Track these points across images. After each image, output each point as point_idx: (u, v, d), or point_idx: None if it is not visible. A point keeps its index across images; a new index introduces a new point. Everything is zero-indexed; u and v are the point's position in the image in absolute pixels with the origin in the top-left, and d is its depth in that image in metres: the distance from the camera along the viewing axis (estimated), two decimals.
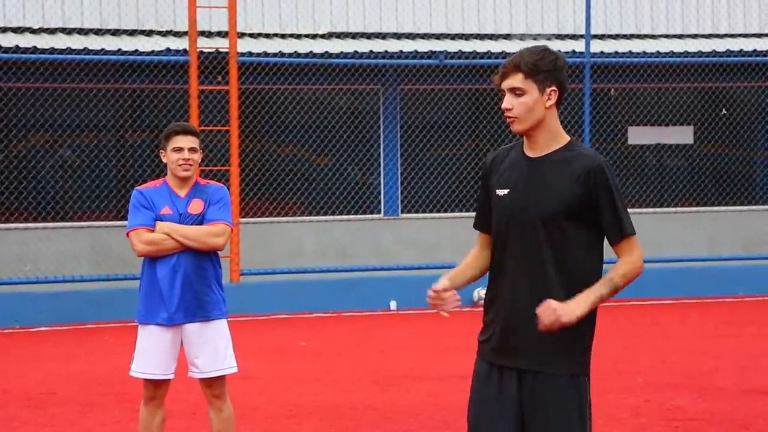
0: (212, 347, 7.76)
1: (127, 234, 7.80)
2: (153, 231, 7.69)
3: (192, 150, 7.76)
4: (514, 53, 5.25)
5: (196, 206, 7.80)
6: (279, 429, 9.72)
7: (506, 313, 5.22)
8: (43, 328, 16.30)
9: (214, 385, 7.82)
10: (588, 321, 5.14)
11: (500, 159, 5.38)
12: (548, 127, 5.25)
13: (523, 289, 5.19)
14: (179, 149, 7.73)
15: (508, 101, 5.19)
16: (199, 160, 7.96)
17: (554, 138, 5.27)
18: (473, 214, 5.63)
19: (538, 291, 5.14)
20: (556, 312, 4.98)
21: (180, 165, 7.73)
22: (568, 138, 5.30)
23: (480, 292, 18.39)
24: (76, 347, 14.75)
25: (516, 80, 5.17)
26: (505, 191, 5.25)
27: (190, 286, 7.68)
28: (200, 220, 7.75)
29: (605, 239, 5.24)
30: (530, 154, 5.29)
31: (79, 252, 17.53)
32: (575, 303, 5.02)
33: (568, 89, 5.29)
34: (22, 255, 17.66)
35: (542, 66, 5.19)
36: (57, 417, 10.37)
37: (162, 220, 7.74)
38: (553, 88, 5.20)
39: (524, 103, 5.18)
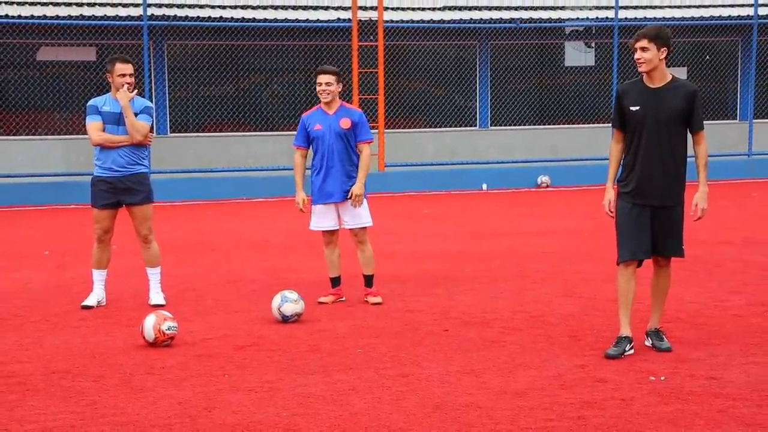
0: (355, 210, 7.72)
1: (294, 147, 7.84)
2: (305, 150, 7.73)
3: (328, 84, 7.60)
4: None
5: (345, 123, 7.66)
6: (410, 266, 9.64)
7: (641, 175, 6.02)
8: (260, 199, 16.47)
9: (358, 234, 7.79)
10: (683, 180, 6.08)
11: (628, 87, 6.15)
12: (661, 69, 6.00)
13: (653, 161, 6.00)
14: (320, 83, 7.65)
15: (639, 54, 5.96)
16: (338, 90, 7.66)
17: (664, 76, 6.02)
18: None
19: (661, 161, 5.98)
20: (703, 209, 6.09)
21: (320, 93, 7.68)
22: (671, 76, 6.07)
23: (542, 178, 18.43)
24: (273, 213, 14.59)
25: (644, 42, 5.95)
26: (637, 107, 5.99)
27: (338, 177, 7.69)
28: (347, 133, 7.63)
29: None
30: (651, 85, 6.03)
31: (281, 151, 17.51)
32: (703, 193, 6.08)
33: (671, 49, 6.06)
34: (246, 152, 17.94)
35: (659, 35, 5.96)
36: (270, 253, 10.45)
37: (314, 135, 7.66)
38: (664, 48, 5.96)
39: (647, 55, 5.95)
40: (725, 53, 21.10)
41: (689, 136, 6.12)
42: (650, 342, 6.21)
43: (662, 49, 5.95)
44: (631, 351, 6.04)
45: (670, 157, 6.01)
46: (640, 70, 6.02)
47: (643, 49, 5.95)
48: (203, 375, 5.74)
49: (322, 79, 7.66)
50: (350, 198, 7.66)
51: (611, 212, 6.20)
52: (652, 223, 6.05)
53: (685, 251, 6.21)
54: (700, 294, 7.92)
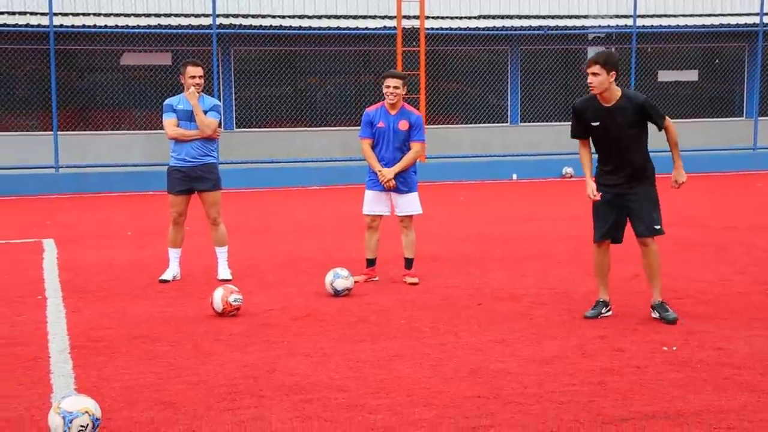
0: (408, 199, 7.69)
1: (360, 139, 7.73)
2: (371, 140, 7.59)
3: (396, 87, 7.51)
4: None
5: (403, 125, 7.59)
6: (447, 247, 9.62)
7: (610, 174, 6.14)
8: (315, 187, 16.47)
9: (404, 220, 7.75)
10: (649, 170, 6.12)
11: (585, 105, 6.16)
12: (611, 90, 5.98)
13: (618, 163, 6.09)
14: (388, 86, 7.56)
15: (590, 78, 5.96)
16: (402, 93, 7.54)
17: (614, 95, 6.01)
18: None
19: (627, 161, 6.05)
20: (680, 182, 6.08)
21: (387, 95, 7.57)
22: (620, 91, 6.03)
23: (566, 169, 18.26)
24: (326, 200, 14.77)
25: (595, 68, 5.94)
26: (597, 123, 6.04)
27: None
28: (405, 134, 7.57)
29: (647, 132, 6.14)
30: (604, 104, 6.05)
31: (333, 144, 17.71)
32: (679, 169, 6.07)
33: (620, 71, 6.04)
34: (303, 145, 18.02)
35: (608, 61, 5.93)
36: (324, 235, 10.45)
37: (377, 130, 7.57)
38: (613, 72, 5.94)
39: (598, 79, 5.94)
40: (733, 57, 20.75)
41: (649, 133, 6.15)
42: (657, 314, 6.17)
43: (611, 73, 5.95)
44: (608, 313, 6.29)
45: (631, 158, 6.09)
46: (592, 92, 6.06)
47: (594, 74, 5.95)
48: (265, 342, 5.79)
49: (391, 83, 7.52)
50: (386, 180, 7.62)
51: (596, 198, 6.26)
52: (626, 209, 6.17)
53: (662, 229, 6.17)
54: (708, 274, 7.82)
